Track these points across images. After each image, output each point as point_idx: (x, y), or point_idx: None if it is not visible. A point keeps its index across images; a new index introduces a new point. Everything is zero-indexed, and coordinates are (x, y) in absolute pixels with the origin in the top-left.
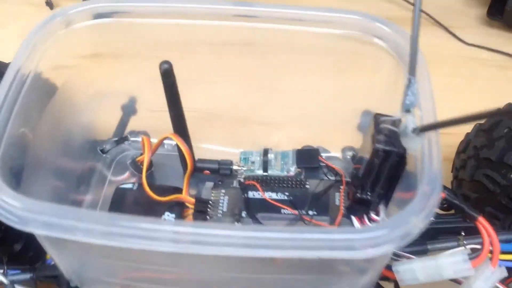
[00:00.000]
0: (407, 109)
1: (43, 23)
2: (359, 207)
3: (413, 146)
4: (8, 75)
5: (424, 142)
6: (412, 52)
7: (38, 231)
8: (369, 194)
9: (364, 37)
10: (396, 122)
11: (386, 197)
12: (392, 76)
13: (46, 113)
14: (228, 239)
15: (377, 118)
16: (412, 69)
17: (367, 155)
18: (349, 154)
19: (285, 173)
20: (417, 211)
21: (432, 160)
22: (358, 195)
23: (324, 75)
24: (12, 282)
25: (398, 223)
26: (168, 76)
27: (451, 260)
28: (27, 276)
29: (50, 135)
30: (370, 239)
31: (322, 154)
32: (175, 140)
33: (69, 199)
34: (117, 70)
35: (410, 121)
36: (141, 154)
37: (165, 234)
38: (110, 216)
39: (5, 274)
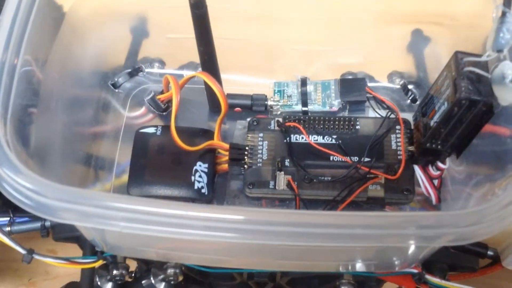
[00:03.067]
0: (499, 49)
1: None
2: (425, 156)
3: (510, 98)
4: None
5: None
6: None
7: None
8: (440, 144)
9: None
10: (483, 64)
11: (459, 149)
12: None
13: (55, 45)
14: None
15: (458, 57)
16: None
17: (436, 93)
18: (398, 81)
19: (327, 108)
20: None
21: None
22: (428, 145)
23: None
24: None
25: None
26: (199, 7)
27: None
28: (37, 224)
29: (61, 72)
30: None
31: (368, 84)
32: (207, 81)
33: (85, 137)
34: None
35: (509, 68)
36: (162, 92)
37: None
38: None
39: (11, 222)
